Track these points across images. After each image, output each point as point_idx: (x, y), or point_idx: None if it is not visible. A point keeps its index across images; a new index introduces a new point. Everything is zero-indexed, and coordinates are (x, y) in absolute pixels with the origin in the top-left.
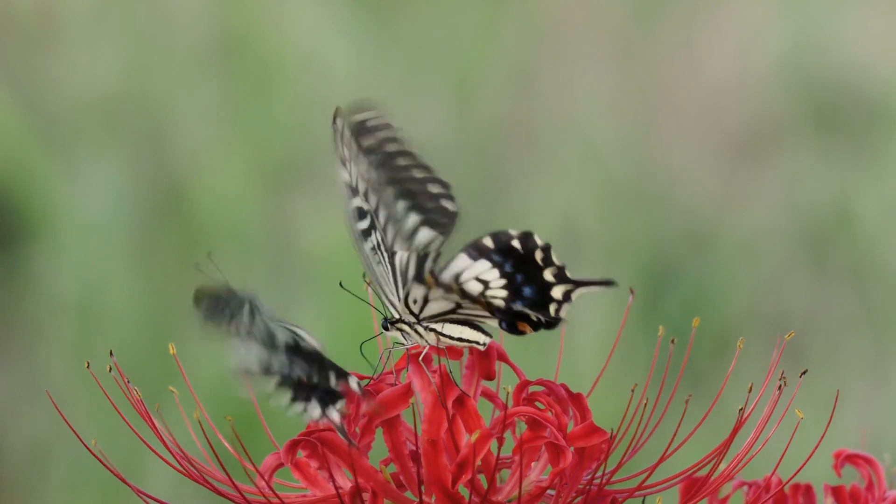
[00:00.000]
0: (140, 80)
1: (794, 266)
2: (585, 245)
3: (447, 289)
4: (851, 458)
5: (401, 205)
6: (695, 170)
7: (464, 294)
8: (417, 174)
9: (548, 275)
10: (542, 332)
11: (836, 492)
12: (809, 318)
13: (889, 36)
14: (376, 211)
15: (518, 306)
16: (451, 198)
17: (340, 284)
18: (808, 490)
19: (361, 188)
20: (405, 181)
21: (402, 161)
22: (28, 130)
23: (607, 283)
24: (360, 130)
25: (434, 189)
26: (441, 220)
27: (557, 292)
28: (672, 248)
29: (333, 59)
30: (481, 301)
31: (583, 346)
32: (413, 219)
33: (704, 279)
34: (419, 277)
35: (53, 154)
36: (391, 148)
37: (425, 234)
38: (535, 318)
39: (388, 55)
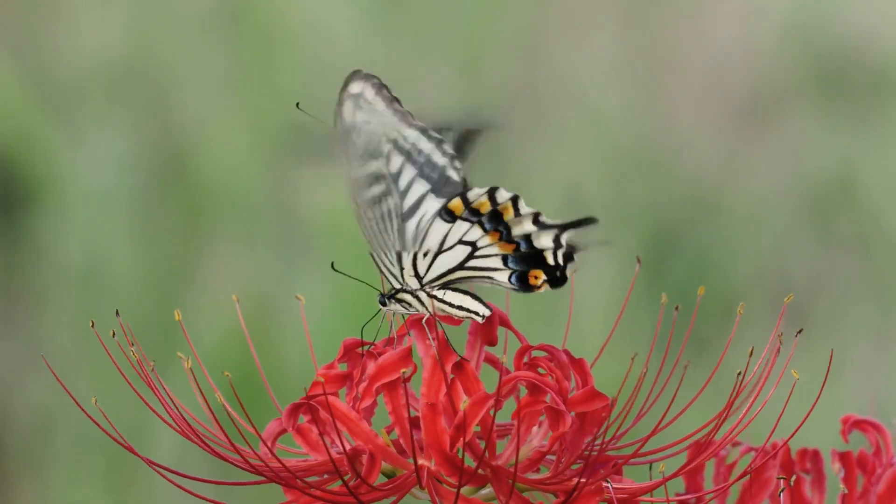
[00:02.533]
0: (144, 47)
1: (798, 232)
2: (590, 211)
3: (475, 212)
4: (859, 424)
5: (409, 173)
6: (699, 136)
7: (495, 213)
8: (423, 144)
9: (527, 224)
10: (547, 299)
11: (844, 457)
12: (814, 283)
13: (893, 1)
14: (398, 173)
15: (512, 265)
16: (456, 169)
17: (332, 266)
18: (815, 455)
19: (385, 149)
20: (408, 150)
21: (406, 131)
22: (32, 98)
23: (588, 221)
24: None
25: (439, 160)
26: (444, 190)
27: (546, 240)
28: (677, 214)
29: (338, 26)
30: (515, 220)
31: (585, 313)
32: (419, 188)
33: (709, 245)
34: (444, 211)
35: (57, 122)
36: (393, 118)
37: (431, 203)
38: (552, 261)
39: (392, 21)
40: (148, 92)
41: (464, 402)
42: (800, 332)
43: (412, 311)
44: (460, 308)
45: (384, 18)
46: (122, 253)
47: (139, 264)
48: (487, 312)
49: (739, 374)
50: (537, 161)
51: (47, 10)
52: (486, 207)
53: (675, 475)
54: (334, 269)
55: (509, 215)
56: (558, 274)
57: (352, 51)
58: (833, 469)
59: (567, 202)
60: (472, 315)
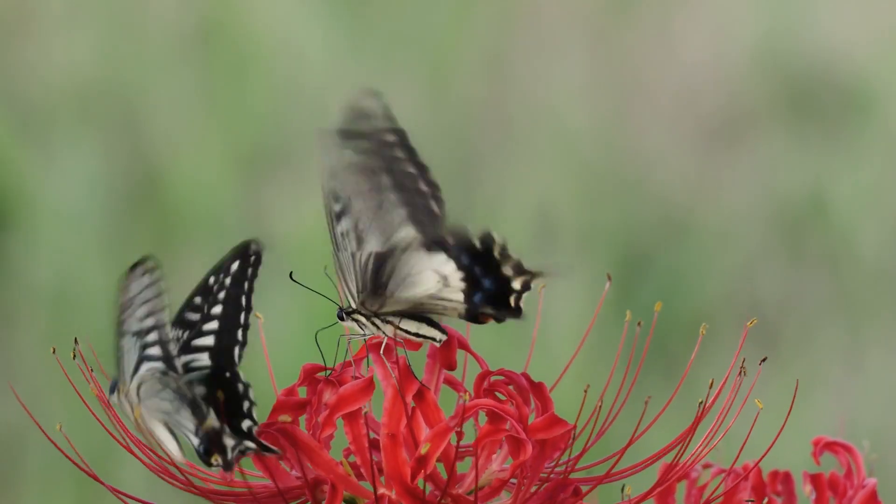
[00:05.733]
0: (115, 67)
1: (769, 252)
2: (560, 231)
3: (462, 248)
4: (830, 446)
5: (392, 196)
6: (669, 156)
7: (482, 254)
8: (411, 169)
9: (507, 269)
10: (516, 322)
11: (815, 479)
12: (785, 303)
13: (863, 22)
14: (350, 198)
15: (478, 302)
16: (438, 200)
17: (290, 276)
18: (786, 477)
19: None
20: (399, 174)
21: (398, 152)
22: (2, 118)
23: (561, 270)
24: (359, 116)
25: (424, 187)
26: (424, 220)
27: (517, 283)
28: (647, 234)
29: (308, 46)
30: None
31: (556, 335)
32: (400, 213)
33: (679, 265)
34: (375, 291)
35: (28, 142)
36: (389, 137)
37: (407, 232)
38: (512, 304)
39: (362, 41)
40: (119, 112)
41: (424, 445)
42: (764, 360)
43: (368, 332)
44: (417, 335)
45: (353, 38)
46: (93, 273)
47: (110, 284)
48: (444, 337)
49: (701, 403)
50: (507, 181)
51: (18, 29)
52: (476, 248)
53: (645, 496)
54: (292, 280)
55: (496, 259)
56: (513, 311)
57: (321, 71)
58: (804, 491)
59: (537, 223)
60: (430, 340)
